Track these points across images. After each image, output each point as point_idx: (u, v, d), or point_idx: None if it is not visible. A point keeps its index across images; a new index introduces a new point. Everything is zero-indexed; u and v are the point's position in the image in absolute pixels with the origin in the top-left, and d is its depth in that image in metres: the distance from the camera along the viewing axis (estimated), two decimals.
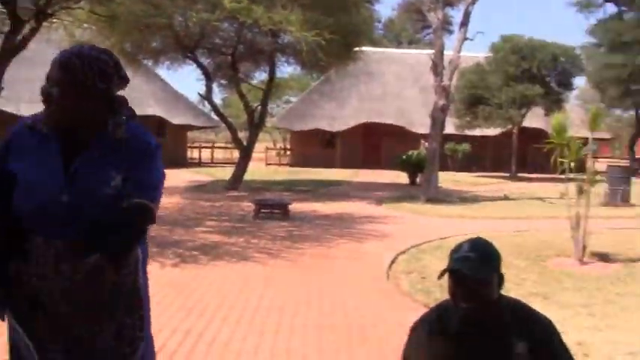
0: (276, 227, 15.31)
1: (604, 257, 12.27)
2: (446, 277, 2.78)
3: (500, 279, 2.84)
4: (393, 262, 11.63)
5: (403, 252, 12.56)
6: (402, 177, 32.73)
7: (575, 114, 40.34)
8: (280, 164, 46.57)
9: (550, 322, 2.93)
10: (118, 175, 3.00)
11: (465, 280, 2.70)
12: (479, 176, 39.39)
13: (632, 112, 48.14)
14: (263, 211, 16.98)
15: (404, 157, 31.48)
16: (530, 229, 15.97)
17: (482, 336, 2.78)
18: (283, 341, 6.79)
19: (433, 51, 24.07)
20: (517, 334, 2.79)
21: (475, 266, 2.70)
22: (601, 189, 21.91)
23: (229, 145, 48.01)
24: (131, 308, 3.15)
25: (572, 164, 11.69)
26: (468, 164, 43.82)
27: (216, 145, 52.93)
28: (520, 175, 39.30)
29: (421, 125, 41.39)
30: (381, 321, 7.72)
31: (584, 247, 11.62)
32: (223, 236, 13.74)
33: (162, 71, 30.73)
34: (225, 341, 6.70)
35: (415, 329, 3.03)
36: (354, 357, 6.38)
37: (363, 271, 10.70)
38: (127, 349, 3.13)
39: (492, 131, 42.08)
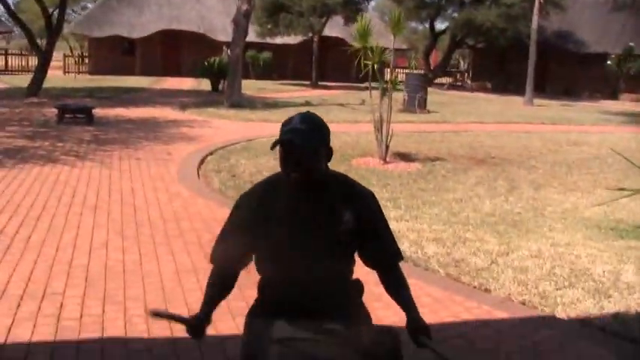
0: (82, 131, 15.01)
1: (405, 157, 13.10)
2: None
3: (329, 151, 3.04)
4: (202, 162, 11.88)
5: (211, 153, 12.82)
6: (204, 84, 32.59)
7: (374, 24, 41.41)
8: (79, 72, 44.71)
9: (372, 193, 3.19)
10: None
11: (294, 150, 2.86)
12: (280, 84, 39.79)
13: (427, 25, 50.01)
14: (67, 116, 16.54)
15: (206, 63, 31.23)
16: (335, 131, 16.48)
17: (312, 203, 2.99)
18: (100, 236, 6.90)
19: None
20: (344, 203, 3.02)
21: (304, 136, 2.87)
22: (400, 96, 22.95)
23: (25, 53, 45.84)
24: None
25: (376, 67, 12.17)
26: (269, 72, 43.98)
27: (10, 52, 50.00)
28: (321, 83, 40.06)
29: (222, 32, 41.14)
30: (195, 215, 7.98)
31: (387, 147, 12.31)
32: (27, 140, 13.34)
33: None
34: (41, 239, 6.69)
35: (243, 200, 3.13)
36: (173, 248, 6.60)
37: (173, 171, 10.87)
38: None
39: (293, 39, 42.44)
